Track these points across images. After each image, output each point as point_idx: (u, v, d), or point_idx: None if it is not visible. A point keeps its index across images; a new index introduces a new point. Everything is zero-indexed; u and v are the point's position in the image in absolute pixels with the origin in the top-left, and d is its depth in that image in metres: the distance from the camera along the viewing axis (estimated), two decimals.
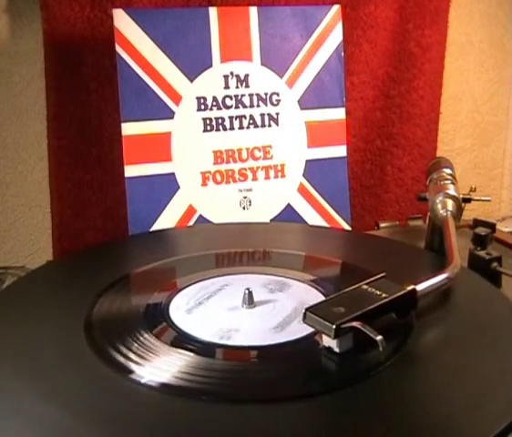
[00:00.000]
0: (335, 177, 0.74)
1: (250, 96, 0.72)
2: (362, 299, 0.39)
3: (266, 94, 0.72)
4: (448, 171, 0.60)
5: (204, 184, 0.70)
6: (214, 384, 0.35)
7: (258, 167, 0.72)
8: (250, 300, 0.45)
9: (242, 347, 0.40)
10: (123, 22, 0.67)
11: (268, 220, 0.71)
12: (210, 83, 0.70)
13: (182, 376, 0.36)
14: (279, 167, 0.72)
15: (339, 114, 0.74)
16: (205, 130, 0.70)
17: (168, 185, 0.68)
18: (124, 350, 0.39)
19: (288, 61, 0.73)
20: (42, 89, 0.74)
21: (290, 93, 0.73)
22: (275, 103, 0.72)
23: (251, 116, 0.71)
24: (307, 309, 0.38)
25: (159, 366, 0.37)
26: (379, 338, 0.35)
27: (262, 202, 0.72)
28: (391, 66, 0.85)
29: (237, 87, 0.71)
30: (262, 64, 0.72)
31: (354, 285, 0.41)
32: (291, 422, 0.32)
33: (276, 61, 0.72)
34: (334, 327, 0.36)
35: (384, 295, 0.39)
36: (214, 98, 0.70)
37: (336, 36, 0.74)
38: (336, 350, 0.37)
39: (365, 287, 0.41)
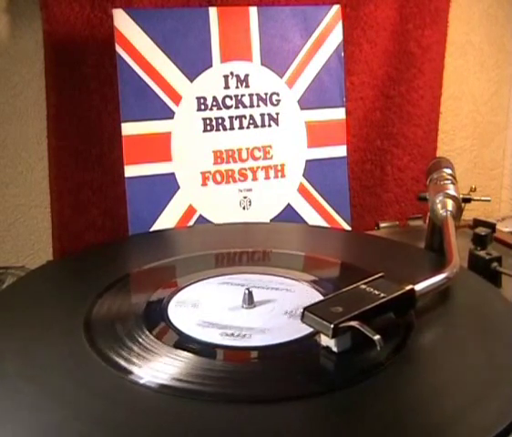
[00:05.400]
0: (335, 177, 0.74)
1: (250, 96, 0.72)
2: (360, 299, 0.39)
3: (266, 94, 0.72)
4: (448, 171, 0.60)
5: (204, 184, 0.70)
6: (214, 384, 0.35)
7: (258, 167, 0.72)
8: (249, 300, 0.45)
9: (242, 347, 0.40)
10: (123, 22, 0.67)
11: (268, 220, 0.71)
12: (210, 83, 0.70)
13: (182, 377, 0.36)
14: (279, 167, 0.72)
15: (339, 114, 0.74)
16: (205, 130, 0.70)
17: (168, 185, 0.68)
18: (123, 350, 0.39)
19: (288, 61, 0.73)
20: (42, 89, 0.74)
21: (290, 93, 0.73)
22: (275, 103, 0.72)
23: (251, 116, 0.71)
24: (305, 309, 0.38)
25: (159, 367, 0.37)
26: (377, 337, 0.35)
27: (262, 202, 0.72)
28: (391, 66, 0.85)
29: (237, 87, 0.71)
30: (262, 64, 0.72)
31: (353, 285, 0.41)
32: (289, 422, 0.33)
33: (276, 61, 0.72)
34: (332, 326, 0.36)
35: (382, 295, 0.39)
36: (214, 98, 0.70)
37: (336, 36, 0.74)
38: (334, 349, 0.37)
39: (364, 286, 0.41)
